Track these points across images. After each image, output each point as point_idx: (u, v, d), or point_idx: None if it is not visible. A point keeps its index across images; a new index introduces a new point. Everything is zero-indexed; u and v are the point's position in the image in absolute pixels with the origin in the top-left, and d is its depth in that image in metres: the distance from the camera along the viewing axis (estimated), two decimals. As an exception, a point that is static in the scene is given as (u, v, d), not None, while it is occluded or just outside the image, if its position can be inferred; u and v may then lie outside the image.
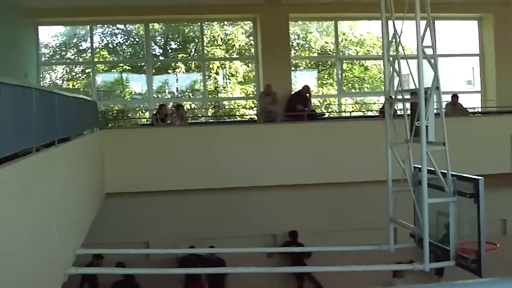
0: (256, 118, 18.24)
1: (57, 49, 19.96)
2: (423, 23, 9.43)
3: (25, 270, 5.69)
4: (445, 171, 9.37)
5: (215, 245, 14.20)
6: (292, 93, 18.30)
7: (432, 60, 9.54)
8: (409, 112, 10.19)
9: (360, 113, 21.21)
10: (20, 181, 5.81)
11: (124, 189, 14.70)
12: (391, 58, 10.48)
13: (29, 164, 6.19)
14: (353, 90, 21.61)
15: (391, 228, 10.60)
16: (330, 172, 15.52)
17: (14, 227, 5.46)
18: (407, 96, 10.37)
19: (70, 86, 19.58)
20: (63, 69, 20.30)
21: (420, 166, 9.46)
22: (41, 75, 19.13)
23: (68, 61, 20.13)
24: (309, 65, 21.28)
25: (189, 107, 20.16)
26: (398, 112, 12.25)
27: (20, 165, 5.75)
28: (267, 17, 18.75)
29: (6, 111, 5.37)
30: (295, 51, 20.51)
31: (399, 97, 10.48)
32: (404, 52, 10.31)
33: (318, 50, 20.86)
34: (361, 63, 21.72)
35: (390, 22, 10.35)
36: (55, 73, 20.28)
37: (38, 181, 6.71)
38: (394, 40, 10.30)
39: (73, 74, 20.34)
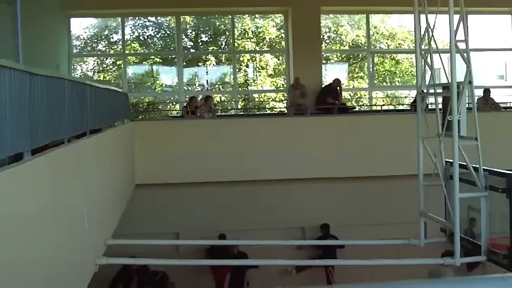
0: (285, 111, 18.21)
1: (88, 41, 20.12)
2: (456, 17, 9.34)
3: (57, 259, 5.76)
4: (477, 166, 9.28)
5: (244, 238, 14.18)
6: (323, 86, 18.24)
7: (465, 55, 9.45)
8: (441, 106, 10.10)
9: (391, 107, 21.07)
10: (52, 172, 5.87)
11: (154, 180, 14.80)
12: (423, 52, 10.39)
13: (61, 154, 6.25)
14: (384, 84, 21.49)
15: (421, 222, 10.53)
16: (360, 166, 15.47)
17: (47, 216, 5.51)
18: (439, 90, 10.28)
19: (101, 78, 19.73)
20: (94, 61, 20.45)
21: (451, 161, 9.38)
22: (73, 67, 19.27)
23: (99, 53, 20.27)
24: (340, 58, 21.19)
25: (219, 99, 20.21)
26: (430, 106, 12.14)
27: (52, 155, 5.81)
28: (298, 10, 18.68)
29: (39, 102, 5.43)
30: (326, 44, 20.44)
31: (431, 91, 10.39)
32: (436, 46, 10.22)
33: (349, 43, 20.75)
34: (392, 57, 21.57)
35: (422, 16, 10.26)
36: (86, 65, 20.44)
37: (70, 172, 6.78)
38: (426, 34, 10.21)
39: (104, 66, 20.49)
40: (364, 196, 16.02)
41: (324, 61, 19.85)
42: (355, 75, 21.17)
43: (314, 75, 18.40)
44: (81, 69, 20.23)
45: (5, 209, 4.30)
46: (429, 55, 10.20)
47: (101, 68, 20.36)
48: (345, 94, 19.59)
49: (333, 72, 20.15)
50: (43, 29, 15.74)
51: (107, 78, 19.91)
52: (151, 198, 15.24)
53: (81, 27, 19.86)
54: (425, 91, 10.59)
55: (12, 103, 4.61)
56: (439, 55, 10.20)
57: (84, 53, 20.23)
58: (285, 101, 19.42)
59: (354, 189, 15.97)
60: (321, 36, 19.50)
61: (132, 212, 13.04)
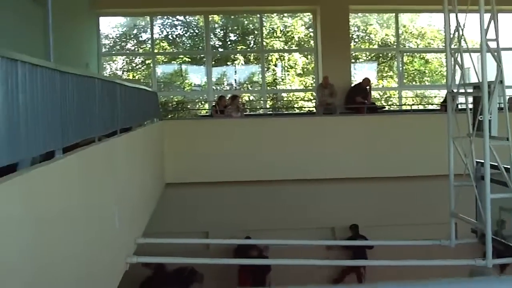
0: (314, 110, 18.16)
1: (117, 40, 20.23)
2: (487, 16, 9.25)
3: (88, 257, 5.79)
4: (509, 166, 9.18)
5: (273, 237, 14.16)
6: (352, 85, 18.17)
7: (496, 54, 9.35)
8: (471, 106, 10.01)
9: (420, 107, 20.92)
10: (83, 170, 5.90)
11: (183, 179, 14.84)
12: (453, 51, 10.30)
13: (92, 153, 6.28)
14: (413, 83, 21.35)
15: (452, 223, 10.45)
16: (390, 166, 15.37)
17: (78, 215, 5.55)
18: (470, 90, 10.19)
19: (130, 77, 19.83)
20: (123, 60, 20.57)
21: (482, 161, 9.29)
22: (102, 66, 19.40)
23: (128, 52, 20.38)
24: (369, 57, 21.09)
25: (247, 99, 20.22)
26: (460, 106, 12.03)
27: (83, 154, 5.84)
28: (327, 9, 18.63)
29: (70, 100, 5.46)
30: (355, 43, 20.35)
31: (462, 90, 10.30)
32: (466, 45, 10.13)
33: (378, 42, 20.64)
34: (421, 56, 21.41)
35: (452, 15, 10.17)
36: (115, 64, 20.56)
37: (101, 170, 6.81)
38: (456, 32, 10.12)
39: (133, 65, 20.58)
40: (394, 197, 15.91)
41: (353, 60, 19.76)
42: (384, 75, 21.04)
43: (343, 74, 18.33)
44: (110, 68, 20.36)
45: (36, 207, 4.33)
46: (459, 54, 10.11)
47: (130, 67, 20.47)
48: (374, 94, 19.50)
49: (362, 71, 20.06)
50: (73, 28, 15.85)
51: (136, 77, 20.01)
52: (181, 197, 15.28)
53: (110, 26, 19.98)
54: (455, 90, 10.50)
55: (44, 101, 4.65)
56: (470, 54, 10.11)
57: (113, 52, 20.35)
58: (313, 101, 19.37)
59: (384, 189, 15.86)
60: (350, 35, 19.42)
61: (162, 211, 13.09)
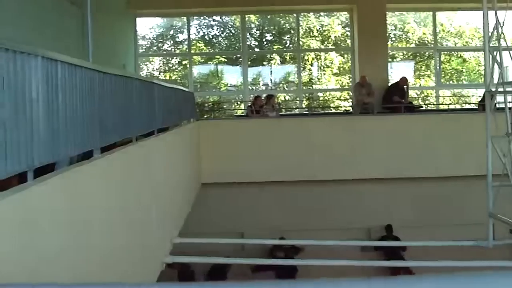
0: (351, 109, 18.09)
1: (154, 40, 20.37)
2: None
3: (125, 256, 5.84)
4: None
5: (309, 237, 14.12)
6: (389, 84, 18.06)
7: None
8: (510, 105, 9.89)
9: (458, 106, 20.69)
10: (121, 170, 5.96)
11: (219, 179, 14.86)
12: (492, 50, 10.18)
13: (130, 153, 6.34)
14: (450, 82, 21.14)
15: (490, 223, 10.32)
16: (427, 166, 15.24)
17: (115, 214, 5.60)
18: (509, 89, 10.06)
19: (167, 78, 19.95)
20: (159, 61, 20.70)
21: (522, 161, 9.18)
22: (138, 67, 19.54)
23: (164, 52, 20.51)
24: (406, 56, 20.93)
25: (283, 99, 20.20)
26: (498, 105, 11.88)
27: (121, 154, 5.89)
28: (363, 8, 18.54)
29: (109, 100, 5.51)
30: (391, 42, 20.21)
31: (500, 89, 10.18)
32: (506, 43, 10.01)
33: (415, 41, 20.48)
34: (459, 55, 21.18)
35: (491, 13, 10.06)
36: (152, 64, 20.70)
37: (138, 170, 6.87)
38: (495, 31, 10.00)
39: (170, 65, 20.70)
40: (430, 197, 15.76)
41: (389, 59, 19.63)
42: (422, 74, 20.86)
43: (380, 73, 18.22)
44: (147, 69, 20.50)
45: (75, 206, 4.38)
46: (498, 52, 9.99)
47: (166, 68, 20.59)
48: (411, 93, 19.32)
49: (399, 70, 19.90)
50: (110, 29, 15.99)
51: (173, 78, 20.12)
52: (216, 197, 15.31)
53: (147, 27, 20.13)
54: (494, 89, 10.37)
55: (83, 101, 4.70)
56: (509, 53, 9.98)
57: (150, 53, 20.50)
58: (350, 100, 19.28)
59: (420, 189, 15.73)
60: (387, 34, 19.30)
61: (198, 211, 13.13)
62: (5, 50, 3.36)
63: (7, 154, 3.32)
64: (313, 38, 20.07)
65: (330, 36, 20.05)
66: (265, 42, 20.50)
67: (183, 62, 20.28)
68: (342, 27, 20.03)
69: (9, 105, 3.36)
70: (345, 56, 20.04)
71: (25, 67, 3.63)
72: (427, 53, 20.74)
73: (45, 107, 3.90)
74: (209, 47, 20.28)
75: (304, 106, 19.83)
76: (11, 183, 3.63)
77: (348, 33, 19.67)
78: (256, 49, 20.48)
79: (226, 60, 20.20)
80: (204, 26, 20.35)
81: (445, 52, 20.79)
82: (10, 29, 8.73)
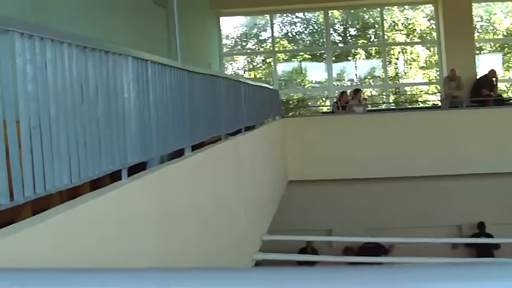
0: (439, 103, 17.75)
1: (238, 39, 20.52)
2: None
3: (216, 253, 5.87)
4: None
5: (397, 235, 13.93)
6: (478, 77, 17.62)
7: None
8: None
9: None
10: (211, 167, 6.00)
11: (305, 176, 14.84)
12: None
13: (219, 151, 6.38)
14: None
15: None
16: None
17: (206, 211, 5.64)
18: None
19: (252, 76, 20.07)
20: (244, 59, 20.83)
21: None
22: (223, 66, 19.73)
23: (249, 51, 20.63)
24: (494, 48, 20.37)
25: (369, 94, 20.01)
26: None
27: (211, 151, 5.94)
28: (449, 0, 18.17)
29: (198, 99, 5.56)
30: (478, 34, 19.71)
31: None
32: None
33: (503, 32, 19.91)
34: (550, 45, 20.50)
35: None
36: (236, 63, 20.85)
37: (227, 168, 6.91)
38: None
39: (254, 64, 20.81)
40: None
41: (477, 51, 19.16)
42: (510, 65, 20.26)
43: (467, 66, 17.81)
44: (232, 68, 20.66)
45: (168, 203, 4.44)
46: None
47: (251, 66, 20.71)
48: (500, 85, 18.80)
49: (487, 62, 19.38)
50: (195, 29, 16.20)
51: (257, 76, 20.23)
52: (303, 195, 15.29)
53: (231, 26, 20.29)
54: None
55: (173, 100, 4.76)
56: None
57: (234, 52, 20.65)
58: (438, 94, 18.91)
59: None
60: (473, 26, 18.83)
61: (285, 208, 13.13)
62: (99, 51, 3.42)
63: (101, 153, 3.38)
64: (398, 31, 19.82)
65: (415, 29, 19.75)
66: (349, 37, 20.35)
67: (267, 60, 20.35)
68: (427, 20, 19.68)
69: (102, 105, 3.43)
70: (431, 49, 19.67)
71: (117, 67, 3.69)
72: (516, 44, 20.15)
73: (137, 107, 3.96)
74: (293, 44, 20.28)
75: (391, 101, 19.58)
76: (105, 182, 3.72)
77: (434, 26, 19.33)
78: (340, 45, 20.35)
79: (310, 56, 20.16)
80: (287, 24, 20.37)
81: (536, 43, 20.15)
82: (101, 30, 8.95)
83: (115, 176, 3.76)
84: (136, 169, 4.08)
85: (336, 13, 20.06)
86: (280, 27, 20.35)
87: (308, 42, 20.44)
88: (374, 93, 20.43)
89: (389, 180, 15.12)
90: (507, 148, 14.83)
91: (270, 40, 19.90)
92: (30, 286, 0.68)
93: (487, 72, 17.34)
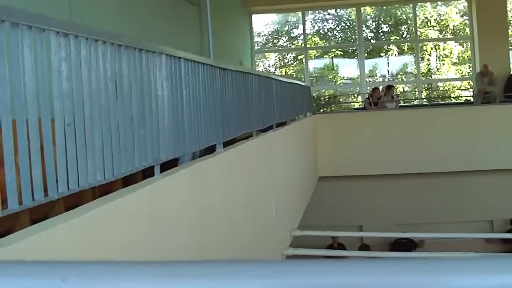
0: (472, 99, 17.62)
1: (269, 37, 20.55)
2: None
3: (247, 248, 5.93)
4: None
5: (428, 231, 13.87)
6: (511, 73, 17.46)
7: None
8: None
9: None
10: (242, 163, 6.05)
11: (336, 172, 14.84)
12: None
13: (250, 147, 6.43)
14: None
15: None
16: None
17: (237, 206, 5.70)
18: None
19: (283, 73, 20.08)
20: (275, 57, 20.86)
21: None
22: (255, 63, 19.77)
23: (280, 48, 20.65)
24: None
25: (401, 90, 19.92)
26: None
27: (242, 148, 6.00)
28: (482, -5, 18.05)
29: (230, 96, 5.62)
30: (514, 30, 19.50)
31: None
32: None
33: (538, 28, 19.68)
34: None
35: None
36: (267, 60, 20.88)
37: (258, 164, 6.96)
38: None
39: (285, 61, 20.82)
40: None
41: (511, 47, 18.96)
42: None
43: (501, 62, 17.65)
44: (263, 65, 20.70)
45: (199, 199, 4.50)
46: None
47: (282, 63, 20.72)
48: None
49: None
50: (227, 26, 16.29)
51: (289, 73, 20.23)
52: (334, 190, 15.30)
53: (262, 23, 20.33)
54: None
55: (206, 97, 4.82)
56: None
57: (266, 49, 20.68)
58: (471, 90, 18.77)
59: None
60: (508, 21, 18.64)
61: (316, 204, 13.15)
62: (133, 49, 3.48)
63: (134, 149, 3.44)
64: (431, 27, 19.69)
65: (448, 25, 19.60)
66: (381, 34, 20.27)
67: (299, 57, 20.35)
68: (460, 16, 19.52)
69: (136, 102, 3.49)
70: (464, 45, 19.52)
71: (150, 64, 3.75)
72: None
73: (170, 104, 4.02)
74: (324, 40, 20.25)
75: (423, 96, 19.47)
76: (137, 179, 3.78)
77: (467, 22, 19.17)
78: (372, 41, 20.28)
79: (342, 53, 20.12)
80: (319, 20, 20.35)
81: None
82: (136, 29, 9.07)
83: (147, 173, 3.82)
84: (169, 166, 4.14)
85: (368, 9, 20.00)
86: (312, 24, 20.34)
87: (340, 39, 20.40)
88: (406, 89, 20.32)
89: (421, 176, 15.07)
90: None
91: (301, 37, 19.89)
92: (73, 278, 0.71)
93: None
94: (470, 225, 14.99)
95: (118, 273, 0.73)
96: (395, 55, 19.77)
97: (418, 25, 19.45)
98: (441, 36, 19.70)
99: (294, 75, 19.96)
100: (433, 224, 14.61)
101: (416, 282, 0.69)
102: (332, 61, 20.31)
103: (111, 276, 0.73)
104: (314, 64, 20.55)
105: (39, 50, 2.57)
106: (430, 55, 19.78)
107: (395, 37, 20.07)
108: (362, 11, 19.66)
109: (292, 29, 20.43)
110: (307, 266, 0.71)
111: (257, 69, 19.62)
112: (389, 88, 16.50)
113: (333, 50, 20.17)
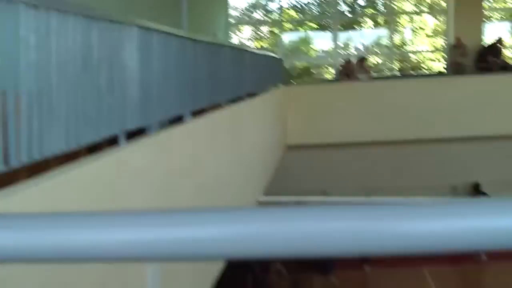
0: (444, 71, 17.83)
1: (245, 10, 20.46)
2: None
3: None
4: None
5: (393, 195, 14.05)
6: (484, 45, 17.62)
7: None
8: None
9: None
10: (209, 133, 6.19)
11: (306, 141, 15.01)
12: None
13: (219, 118, 6.56)
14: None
15: None
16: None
17: (204, 174, 5.84)
18: None
19: (258, 46, 20.03)
20: (251, 30, 20.81)
21: None
22: (229, 36, 19.66)
23: (255, 21, 20.59)
24: (503, 17, 20.27)
25: (375, 62, 20.00)
26: None
27: (210, 118, 6.12)
28: (458, -33, 18.09)
29: (201, 67, 5.71)
30: (489, 3, 19.57)
31: None
32: None
33: (512, 1, 19.82)
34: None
35: None
36: (242, 33, 20.82)
37: (226, 133, 7.10)
38: None
39: (261, 34, 20.79)
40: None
41: (485, 20, 19.04)
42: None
43: (474, 35, 17.76)
44: (238, 38, 20.62)
45: (167, 165, 4.63)
46: None
47: (257, 37, 20.69)
48: (508, 53, 18.76)
49: (495, 31, 19.29)
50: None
51: (263, 46, 20.20)
52: (301, 158, 15.47)
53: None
54: None
55: (176, 68, 4.91)
56: None
57: (241, 22, 20.59)
58: (444, 62, 18.93)
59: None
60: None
61: (284, 172, 13.33)
62: (104, 21, 3.57)
63: (101, 118, 3.55)
64: (407, 1, 19.72)
65: (424, -2, 19.65)
66: (357, 7, 20.28)
67: (274, 31, 20.32)
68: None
69: (105, 73, 3.58)
70: (441, 19, 19.60)
71: (121, 36, 3.84)
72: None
73: (139, 74, 4.10)
74: (302, 14, 20.23)
75: (396, 68, 19.60)
76: (102, 148, 3.85)
77: (443, -5, 19.20)
78: (349, 15, 20.28)
79: (317, 26, 20.13)
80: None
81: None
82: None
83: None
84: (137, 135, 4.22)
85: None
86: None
87: (315, 12, 20.40)
88: (379, 61, 20.42)
89: (390, 144, 15.32)
90: (509, 112, 15.04)
91: (277, 10, 19.84)
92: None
93: (494, 40, 17.38)
94: (434, 190, 15.24)
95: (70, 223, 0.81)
96: (371, 28, 19.84)
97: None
98: (416, 10, 19.75)
99: (269, 48, 19.94)
100: (398, 189, 14.78)
101: (371, 226, 0.78)
102: (307, 34, 20.30)
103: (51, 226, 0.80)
104: (290, 38, 20.53)
105: (5, 22, 2.63)
106: (404, 28, 19.88)
107: (371, 10, 20.10)
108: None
109: (268, 2, 20.36)
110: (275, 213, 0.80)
111: (231, 42, 19.58)
112: (362, 60, 16.65)
113: (308, 23, 20.16)
